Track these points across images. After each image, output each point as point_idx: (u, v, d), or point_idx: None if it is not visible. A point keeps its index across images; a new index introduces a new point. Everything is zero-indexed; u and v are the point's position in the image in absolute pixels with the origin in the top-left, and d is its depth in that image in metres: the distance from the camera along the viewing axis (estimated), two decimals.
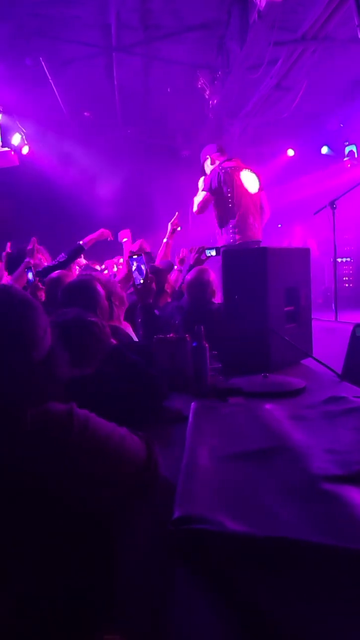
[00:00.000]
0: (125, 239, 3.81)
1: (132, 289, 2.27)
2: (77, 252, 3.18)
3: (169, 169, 7.69)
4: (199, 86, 5.64)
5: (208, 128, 6.61)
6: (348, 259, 7.85)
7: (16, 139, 6.33)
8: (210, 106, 5.88)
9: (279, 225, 7.41)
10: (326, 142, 7.06)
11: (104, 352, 1.18)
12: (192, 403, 1.17)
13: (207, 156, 3.56)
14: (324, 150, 7.06)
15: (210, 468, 0.78)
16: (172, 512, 0.63)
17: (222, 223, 3.43)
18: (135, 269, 2.14)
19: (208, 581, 0.55)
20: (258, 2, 3.34)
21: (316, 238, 7.20)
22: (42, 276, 2.87)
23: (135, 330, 2.20)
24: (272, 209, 3.75)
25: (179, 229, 3.37)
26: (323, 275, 7.02)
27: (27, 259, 3.13)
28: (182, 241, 3.44)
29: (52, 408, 0.71)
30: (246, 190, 3.35)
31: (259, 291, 1.63)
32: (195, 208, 3.48)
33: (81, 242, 3.18)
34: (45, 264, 3.36)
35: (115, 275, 3.88)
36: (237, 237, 3.38)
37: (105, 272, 4.87)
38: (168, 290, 3.04)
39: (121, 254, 4.47)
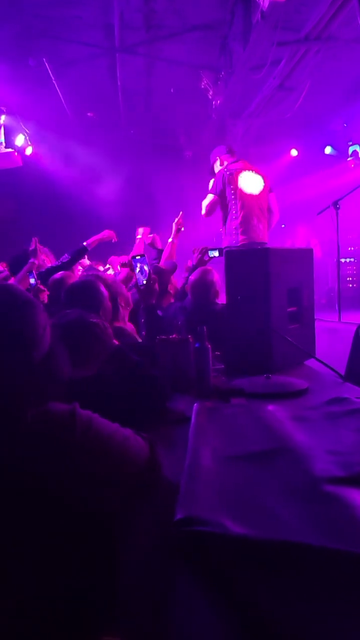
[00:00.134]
0: (139, 236, 3.81)
1: (134, 290, 2.28)
2: (81, 253, 3.19)
3: (172, 169, 7.69)
4: (202, 86, 5.64)
5: (211, 128, 6.61)
6: (351, 260, 7.82)
7: (20, 139, 6.36)
8: (214, 106, 5.88)
9: (282, 226, 7.40)
10: (330, 142, 7.04)
11: (106, 353, 1.19)
12: (195, 404, 1.17)
13: (217, 157, 3.60)
14: (328, 150, 7.04)
15: (212, 469, 0.78)
16: (174, 513, 0.63)
17: (226, 224, 3.46)
18: (138, 270, 2.15)
19: (209, 582, 0.55)
20: (261, 3, 3.34)
21: (319, 238, 7.19)
22: (45, 278, 2.88)
23: (138, 331, 2.20)
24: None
25: (182, 229, 3.38)
26: (326, 276, 7.00)
27: (31, 260, 3.14)
28: (188, 242, 3.45)
29: (54, 408, 0.71)
30: (249, 192, 3.36)
31: (262, 292, 1.63)
32: (203, 211, 3.53)
33: (85, 244, 3.19)
34: (49, 264, 3.37)
35: (118, 273, 3.88)
36: (240, 238, 3.40)
37: (110, 271, 4.87)
38: (171, 291, 3.05)
39: (124, 253, 4.47)
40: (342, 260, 7.56)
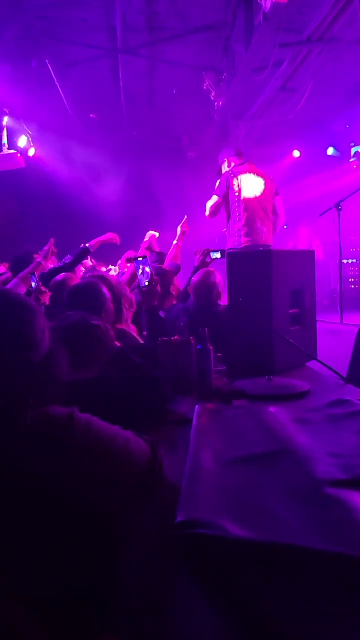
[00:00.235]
0: (146, 239, 3.82)
1: (136, 291, 2.28)
2: (83, 254, 3.20)
3: (175, 171, 7.70)
4: (205, 88, 5.65)
5: (213, 130, 6.62)
6: (354, 261, 7.81)
7: (22, 141, 6.38)
8: (216, 108, 5.88)
9: (285, 227, 7.40)
10: (332, 143, 7.04)
11: (107, 355, 1.19)
12: (197, 406, 1.17)
13: (225, 159, 3.63)
14: (330, 151, 7.04)
15: (213, 471, 0.79)
16: (176, 515, 0.63)
17: (230, 226, 3.49)
18: (140, 272, 2.15)
19: (210, 584, 0.55)
20: (263, 4, 3.35)
21: (322, 239, 7.18)
22: (47, 279, 2.88)
23: (139, 332, 2.21)
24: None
25: (187, 231, 3.41)
26: (329, 277, 6.99)
27: (39, 259, 3.14)
28: (191, 243, 3.47)
29: (53, 411, 0.72)
30: (252, 194, 3.39)
31: (264, 294, 1.63)
32: (207, 212, 3.57)
33: (87, 245, 3.20)
34: (51, 266, 3.38)
35: (122, 274, 3.89)
36: (244, 240, 3.42)
37: (112, 272, 4.88)
38: (174, 293, 3.05)
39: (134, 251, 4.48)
40: (345, 261, 7.56)
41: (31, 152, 6.59)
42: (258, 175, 3.49)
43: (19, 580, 0.68)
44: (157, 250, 3.59)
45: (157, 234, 3.84)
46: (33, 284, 2.89)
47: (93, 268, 4.47)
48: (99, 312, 1.57)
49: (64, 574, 0.70)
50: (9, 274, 3.45)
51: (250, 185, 3.43)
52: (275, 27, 3.56)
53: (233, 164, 3.54)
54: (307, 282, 1.81)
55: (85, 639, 0.71)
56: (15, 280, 3.03)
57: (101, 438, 0.73)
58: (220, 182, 3.51)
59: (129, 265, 3.77)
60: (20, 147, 6.27)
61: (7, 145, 5.95)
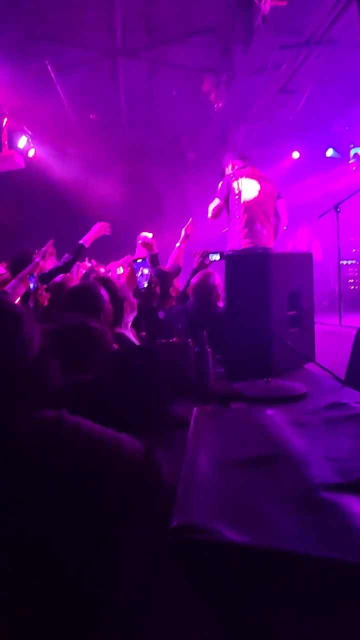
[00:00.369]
0: (140, 241, 3.82)
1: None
2: (79, 251, 3.20)
3: (175, 172, 7.71)
4: (204, 90, 5.66)
5: (213, 131, 6.63)
6: (353, 262, 7.82)
7: (22, 141, 6.38)
8: (216, 109, 5.89)
9: (285, 228, 7.41)
10: (331, 144, 7.04)
11: (105, 358, 1.19)
12: (194, 408, 1.18)
13: (229, 162, 3.67)
14: (329, 152, 7.05)
15: (210, 475, 0.79)
16: (171, 519, 0.63)
17: (230, 228, 3.53)
18: (139, 274, 2.16)
19: (205, 589, 0.55)
20: (262, 6, 3.35)
21: (321, 240, 7.19)
22: (48, 279, 2.89)
23: (138, 333, 2.21)
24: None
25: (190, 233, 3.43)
26: (328, 278, 7.00)
27: (37, 259, 3.15)
28: (191, 244, 3.49)
29: (42, 415, 0.72)
30: (252, 197, 3.42)
31: (262, 296, 1.64)
32: (210, 214, 3.65)
33: (82, 242, 3.20)
34: (51, 265, 3.39)
35: (119, 277, 3.89)
36: (243, 242, 3.45)
37: (109, 273, 4.88)
38: (173, 294, 3.06)
39: (129, 253, 4.48)
40: (344, 262, 7.57)
41: (31, 153, 6.60)
42: (259, 179, 3.53)
43: (15, 582, 0.68)
44: (156, 250, 3.59)
45: (149, 235, 3.85)
46: (31, 285, 2.90)
47: (91, 269, 4.48)
48: (97, 314, 1.57)
49: (61, 575, 0.70)
50: (8, 274, 3.45)
51: (251, 188, 3.47)
52: (275, 29, 3.57)
53: (235, 167, 3.58)
54: (305, 284, 1.81)
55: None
56: (14, 281, 3.03)
57: (91, 439, 0.73)
58: (221, 185, 3.57)
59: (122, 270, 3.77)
60: (19, 148, 6.28)
61: (7, 146, 5.96)
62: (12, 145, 6.07)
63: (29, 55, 4.91)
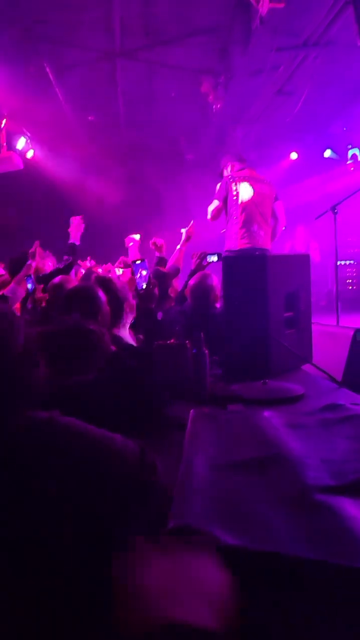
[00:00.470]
0: (131, 243, 3.85)
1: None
2: (73, 250, 3.23)
3: (174, 173, 7.72)
4: (203, 91, 5.67)
5: (212, 132, 6.64)
6: (351, 262, 7.84)
7: (21, 143, 6.39)
8: (214, 111, 5.90)
9: (283, 228, 7.43)
10: (329, 145, 7.06)
11: (102, 360, 1.20)
12: (191, 410, 1.18)
13: (227, 163, 3.72)
14: (327, 153, 7.06)
15: (206, 477, 0.79)
16: (167, 521, 0.64)
17: (228, 228, 3.57)
18: (138, 275, 2.17)
19: None
20: (260, 8, 3.36)
21: (319, 240, 7.20)
22: (48, 280, 2.90)
23: (136, 334, 2.21)
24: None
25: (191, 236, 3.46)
26: (326, 278, 7.02)
27: (29, 261, 3.17)
28: (190, 245, 3.52)
29: (33, 416, 0.72)
30: (250, 199, 3.47)
31: (259, 297, 1.64)
32: (209, 215, 3.70)
33: (71, 241, 3.23)
34: (52, 267, 3.40)
35: (119, 278, 3.89)
36: (240, 242, 3.48)
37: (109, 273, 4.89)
38: (172, 295, 3.07)
39: (124, 255, 4.49)
40: (342, 262, 7.59)
41: (29, 154, 6.60)
42: (257, 181, 3.57)
43: (14, 580, 0.68)
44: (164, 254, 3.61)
45: (137, 236, 3.88)
46: (29, 286, 2.91)
47: (90, 270, 4.49)
48: (94, 315, 1.58)
49: (58, 575, 0.71)
50: (7, 276, 3.46)
51: (248, 190, 3.51)
52: (272, 31, 3.59)
53: (234, 169, 3.63)
54: (302, 286, 1.82)
55: None
56: (12, 284, 3.05)
57: (83, 439, 0.73)
58: (220, 186, 3.62)
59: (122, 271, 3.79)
60: (18, 149, 6.28)
61: (5, 147, 5.96)
62: (10, 146, 6.08)
63: (27, 57, 4.92)
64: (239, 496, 0.73)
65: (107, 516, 0.73)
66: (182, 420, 1.16)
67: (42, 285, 2.86)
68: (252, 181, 3.53)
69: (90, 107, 6.50)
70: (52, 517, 0.69)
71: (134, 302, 2.09)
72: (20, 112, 5.99)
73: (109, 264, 5.09)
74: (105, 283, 1.83)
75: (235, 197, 3.50)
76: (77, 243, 3.23)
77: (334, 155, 7.07)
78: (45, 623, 0.68)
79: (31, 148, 6.57)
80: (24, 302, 2.98)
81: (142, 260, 2.31)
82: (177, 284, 3.30)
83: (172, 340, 1.51)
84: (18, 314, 2.92)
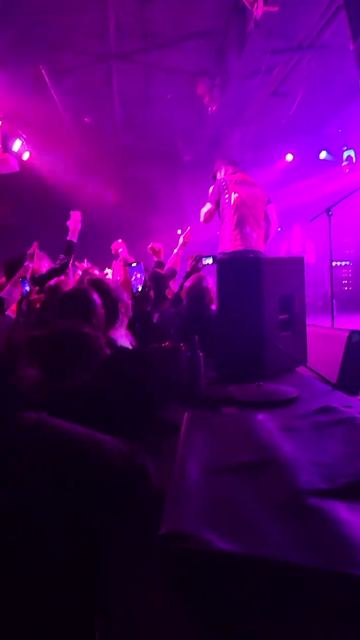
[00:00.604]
0: (120, 249, 3.86)
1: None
2: (70, 248, 3.24)
3: (171, 174, 7.72)
4: (198, 93, 5.69)
5: (209, 133, 6.66)
6: (347, 263, 7.88)
7: (17, 145, 6.38)
8: (210, 112, 5.92)
9: (279, 229, 7.45)
10: (325, 147, 7.10)
11: (97, 362, 1.20)
12: (185, 413, 1.18)
13: (222, 167, 3.76)
14: (323, 155, 7.10)
15: (199, 482, 0.79)
16: (159, 526, 0.64)
17: (221, 231, 3.61)
18: (133, 278, 2.17)
19: (193, 597, 0.56)
20: (255, 12, 3.38)
21: (315, 241, 7.23)
22: (44, 281, 2.89)
23: (134, 337, 2.21)
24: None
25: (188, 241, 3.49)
26: (323, 279, 7.05)
27: (26, 263, 3.17)
28: (188, 247, 3.55)
29: (20, 417, 0.72)
30: (242, 201, 3.51)
31: (254, 300, 1.65)
32: (202, 218, 3.74)
33: (69, 238, 3.24)
34: (46, 265, 3.40)
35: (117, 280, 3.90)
36: (233, 244, 3.54)
37: (109, 275, 4.89)
38: (169, 297, 3.07)
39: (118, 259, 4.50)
40: (338, 263, 7.62)
41: (25, 156, 6.59)
42: (249, 184, 3.63)
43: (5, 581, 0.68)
44: (161, 259, 3.62)
45: (119, 242, 3.92)
46: (27, 288, 2.90)
47: (86, 271, 4.49)
48: (89, 318, 1.58)
49: (49, 577, 0.70)
50: (3, 279, 3.45)
51: (241, 193, 3.55)
52: (267, 34, 3.61)
53: (227, 172, 3.67)
54: (297, 288, 1.83)
55: None
56: (8, 286, 3.04)
57: (70, 441, 0.73)
58: (213, 189, 3.67)
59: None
60: (14, 151, 6.27)
61: (1, 149, 5.95)
62: (6, 148, 6.07)
63: (23, 59, 4.92)
64: (232, 501, 0.74)
65: (96, 519, 0.73)
66: (176, 423, 1.17)
67: (37, 288, 2.86)
68: (244, 184, 3.57)
69: (86, 109, 6.50)
70: (40, 517, 0.69)
71: (129, 302, 2.09)
72: (17, 115, 5.98)
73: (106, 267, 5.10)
74: (98, 284, 1.83)
75: (227, 200, 3.54)
76: (75, 240, 3.25)
77: (330, 157, 7.11)
78: (35, 624, 0.68)
79: (27, 150, 6.56)
80: (19, 304, 2.97)
81: (138, 263, 2.31)
82: (174, 285, 3.31)
83: (167, 343, 1.52)
84: (14, 316, 2.92)
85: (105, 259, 5.39)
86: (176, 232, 6.31)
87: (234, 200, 3.52)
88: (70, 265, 3.27)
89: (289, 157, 7.32)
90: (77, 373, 1.15)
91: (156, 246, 3.53)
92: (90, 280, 1.98)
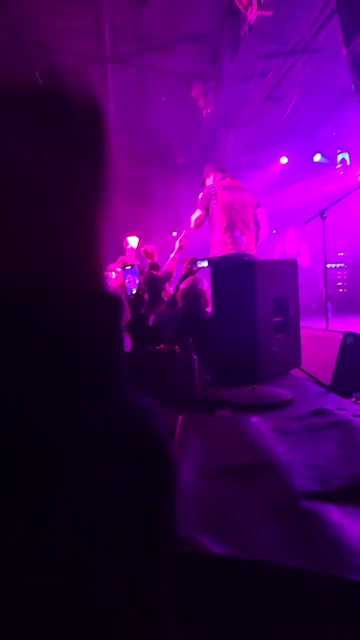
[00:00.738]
0: (129, 246, 3.87)
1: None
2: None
3: (166, 176, 7.74)
4: (193, 95, 5.72)
5: (203, 136, 6.68)
6: (342, 265, 7.92)
7: None
8: (204, 115, 5.94)
9: (274, 231, 7.48)
10: (319, 149, 7.15)
11: None
12: (180, 416, 1.18)
13: (210, 174, 3.82)
14: (317, 158, 7.15)
15: (193, 485, 0.80)
16: None
17: (212, 235, 3.67)
18: (127, 280, 2.17)
19: (185, 601, 0.56)
20: (248, 15, 3.40)
21: (310, 244, 7.27)
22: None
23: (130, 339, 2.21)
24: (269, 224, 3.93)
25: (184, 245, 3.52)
26: (318, 281, 7.08)
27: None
28: (184, 250, 3.58)
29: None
30: (231, 206, 3.58)
31: (248, 302, 1.65)
32: (192, 224, 3.82)
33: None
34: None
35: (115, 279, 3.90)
36: (223, 248, 3.62)
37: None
38: (165, 299, 3.07)
39: (122, 255, 4.49)
40: (333, 265, 7.66)
41: None
42: (238, 189, 3.69)
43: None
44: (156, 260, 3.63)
45: (135, 242, 3.94)
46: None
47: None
48: None
49: (48, 579, 0.70)
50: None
51: (229, 198, 3.61)
52: (261, 38, 3.63)
53: (215, 178, 3.73)
54: (291, 290, 1.84)
55: None
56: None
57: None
58: (202, 196, 3.75)
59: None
60: None
61: None
62: None
63: (19, 61, 4.92)
64: (225, 504, 0.74)
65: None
66: (170, 426, 1.17)
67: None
68: (232, 190, 3.63)
69: None
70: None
71: (126, 304, 2.09)
72: None
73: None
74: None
75: (216, 206, 3.60)
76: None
77: (324, 160, 7.16)
78: (30, 627, 0.68)
79: None
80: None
81: (133, 266, 2.31)
82: (170, 288, 3.31)
83: (161, 346, 1.52)
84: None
85: (108, 258, 5.38)
86: (171, 233, 6.32)
87: (222, 205, 3.58)
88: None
89: (284, 160, 7.37)
90: None
91: (149, 248, 3.54)
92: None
